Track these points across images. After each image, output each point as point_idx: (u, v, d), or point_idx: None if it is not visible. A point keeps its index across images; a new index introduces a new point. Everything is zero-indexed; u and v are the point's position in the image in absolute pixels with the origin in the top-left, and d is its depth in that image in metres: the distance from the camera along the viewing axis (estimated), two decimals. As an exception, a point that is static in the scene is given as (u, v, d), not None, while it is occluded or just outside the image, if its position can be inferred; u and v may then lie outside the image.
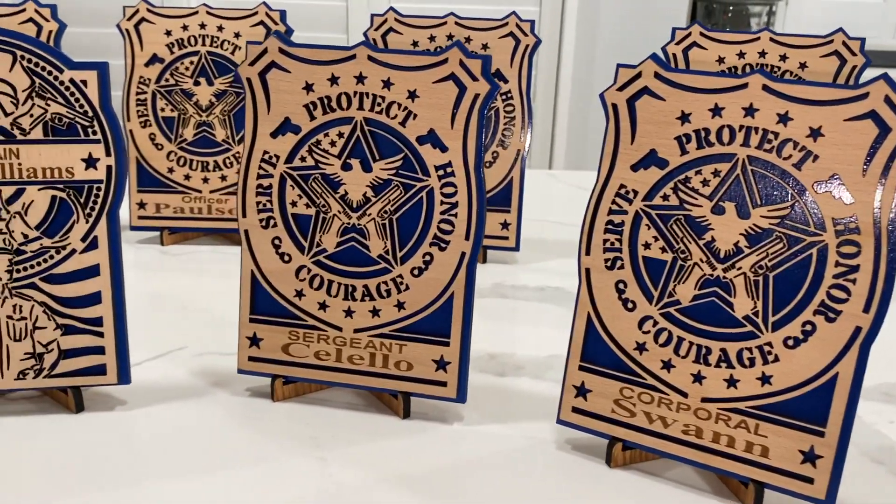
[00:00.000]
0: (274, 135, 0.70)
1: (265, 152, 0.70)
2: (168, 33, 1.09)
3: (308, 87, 0.68)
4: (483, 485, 0.64)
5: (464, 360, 0.70)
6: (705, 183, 0.60)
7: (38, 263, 0.68)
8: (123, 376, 0.71)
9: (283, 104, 0.69)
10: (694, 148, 0.61)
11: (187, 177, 1.11)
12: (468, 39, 1.06)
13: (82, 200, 0.68)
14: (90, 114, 0.67)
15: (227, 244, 1.15)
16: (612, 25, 2.76)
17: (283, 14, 1.10)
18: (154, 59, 1.09)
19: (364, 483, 0.63)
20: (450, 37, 1.06)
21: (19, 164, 0.67)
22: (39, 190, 0.68)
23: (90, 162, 0.68)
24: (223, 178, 1.12)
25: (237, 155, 1.12)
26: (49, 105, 0.67)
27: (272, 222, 0.71)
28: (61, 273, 0.69)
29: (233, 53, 1.09)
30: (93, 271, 0.69)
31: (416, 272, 0.69)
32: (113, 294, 0.70)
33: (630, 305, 0.64)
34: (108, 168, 0.68)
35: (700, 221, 0.61)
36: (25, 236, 0.68)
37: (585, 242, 0.65)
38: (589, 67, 2.76)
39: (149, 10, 1.09)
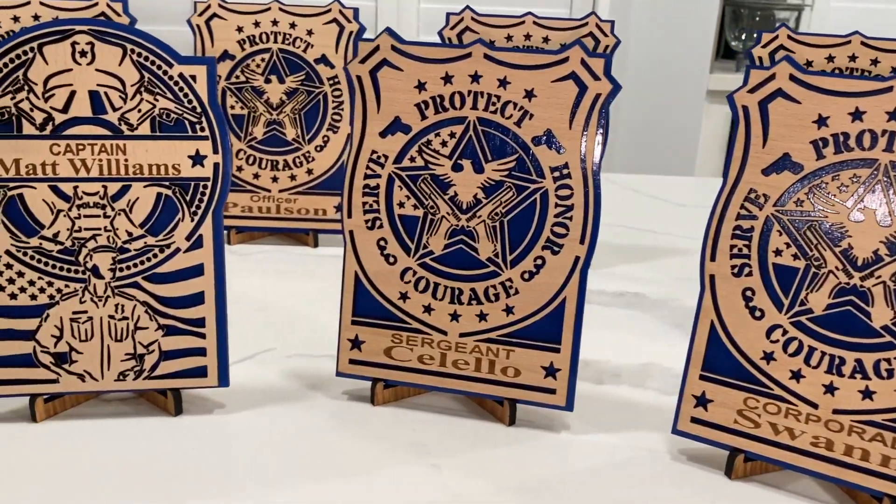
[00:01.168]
0: (383, 134, 0.68)
1: (373, 152, 0.69)
2: (239, 30, 1.08)
3: (420, 86, 0.67)
4: (600, 496, 0.62)
5: (573, 367, 0.68)
6: (842, 189, 0.59)
7: (142, 262, 0.67)
8: (223, 379, 0.70)
9: (393, 103, 0.68)
10: (831, 152, 0.59)
11: (256, 175, 1.10)
12: (546, 39, 1.04)
13: (188, 198, 0.67)
14: (198, 110, 0.66)
15: (293, 244, 1.13)
16: (642, 29, 2.73)
17: (356, 12, 1.08)
18: (224, 55, 1.08)
19: (481, 493, 0.61)
20: (527, 36, 1.04)
21: (125, 161, 0.66)
22: (145, 187, 0.66)
23: (197, 159, 0.66)
24: (293, 177, 1.10)
25: (307, 154, 1.10)
26: (157, 100, 0.65)
27: (378, 223, 0.69)
28: (165, 272, 0.67)
29: (305, 51, 1.08)
30: (196, 271, 0.68)
31: (526, 276, 0.67)
32: (216, 294, 0.68)
33: (758, 314, 0.62)
34: (216, 165, 0.67)
35: (837, 229, 0.59)
36: (130, 234, 0.67)
37: (711, 248, 0.63)
38: (620, 71, 2.74)
39: (220, 6, 1.07)
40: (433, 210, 0.68)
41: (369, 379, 0.72)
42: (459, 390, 0.71)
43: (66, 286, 0.66)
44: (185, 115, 0.66)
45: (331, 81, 1.09)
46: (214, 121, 0.66)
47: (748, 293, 0.62)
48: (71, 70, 0.64)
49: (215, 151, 0.67)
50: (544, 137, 0.66)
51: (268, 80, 1.08)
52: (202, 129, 0.66)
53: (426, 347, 0.70)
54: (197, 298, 0.68)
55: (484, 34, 1.05)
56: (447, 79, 0.66)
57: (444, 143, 0.67)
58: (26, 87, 0.64)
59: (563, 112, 0.65)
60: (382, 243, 0.70)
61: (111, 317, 0.67)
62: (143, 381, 0.69)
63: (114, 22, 0.65)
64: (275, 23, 1.07)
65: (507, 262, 0.68)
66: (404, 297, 0.70)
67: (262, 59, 1.08)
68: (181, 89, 0.65)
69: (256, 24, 1.07)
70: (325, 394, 0.74)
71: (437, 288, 0.69)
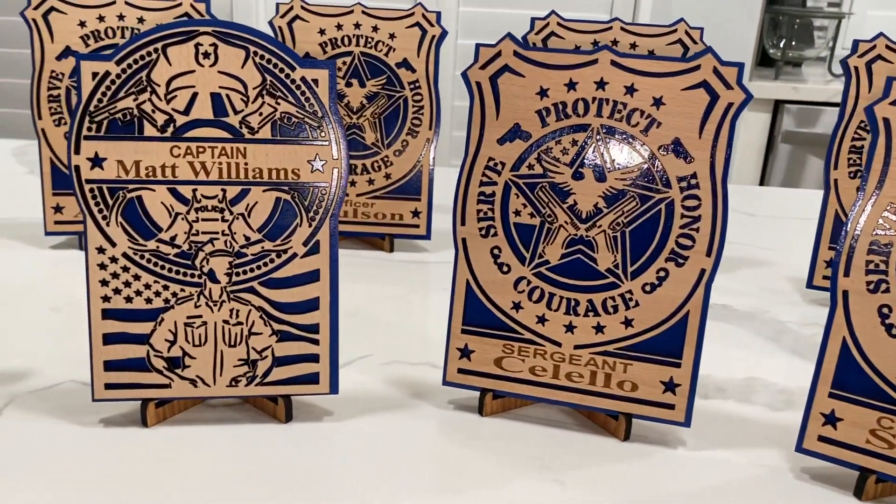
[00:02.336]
0: (501, 141, 0.67)
1: (490, 159, 0.67)
2: (321, 32, 1.07)
3: (542, 93, 0.66)
4: (727, 515, 0.61)
5: (693, 383, 0.67)
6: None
7: (259, 267, 0.66)
8: (334, 386, 0.69)
9: (513, 109, 0.67)
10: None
11: None
12: (634, 45, 1.03)
13: (306, 203, 0.66)
14: (319, 114, 0.65)
15: (367, 248, 1.12)
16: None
17: (438, 16, 1.07)
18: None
19: (608, 509, 0.60)
20: (614, 42, 1.03)
21: (245, 164, 0.65)
22: (264, 191, 0.65)
23: (316, 164, 0.66)
24: (371, 181, 1.09)
25: (385, 159, 1.09)
26: (279, 104, 0.65)
27: (492, 231, 0.68)
28: (281, 277, 0.67)
29: (386, 55, 1.07)
30: (313, 276, 0.67)
31: (647, 288, 0.66)
32: (330, 300, 0.68)
33: (895, 331, 0.60)
34: (335, 171, 0.66)
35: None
36: (247, 238, 0.66)
37: (844, 264, 0.61)
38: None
39: (303, 8, 1.07)
40: (551, 219, 0.67)
41: (478, 389, 0.71)
42: (573, 403, 0.69)
43: (182, 290, 0.66)
44: (306, 119, 0.65)
45: (411, 86, 1.08)
46: (335, 125, 0.65)
47: (885, 310, 0.60)
48: (194, 72, 0.63)
49: (335, 157, 0.66)
50: (672, 146, 0.64)
51: (348, 84, 1.07)
52: (322, 134, 0.65)
53: (539, 359, 0.69)
54: (312, 304, 0.67)
55: (570, 39, 1.04)
56: (571, 85, 0.65)
57: (564, 151, 0.66)
58: (149, 89, 0.63)
59: (693, 121, 0.63)
60: (496, 252, 0.69)
61: (225, 322, 0.67)
62: (256, 387, 0.68)
63: (238, 24, 0.64)
64: (357, 26, 1.06)
65: (628, 273, 0.66)
66: (517, 306, 0.69)
67: (344, 63, 1.07)
68: (303, 93, 0.65)
69: (339, 26, 1.07)
70: (431, 402, 0.73)
71: (552, 298, 0.68)
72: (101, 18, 1.02)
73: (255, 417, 0.69)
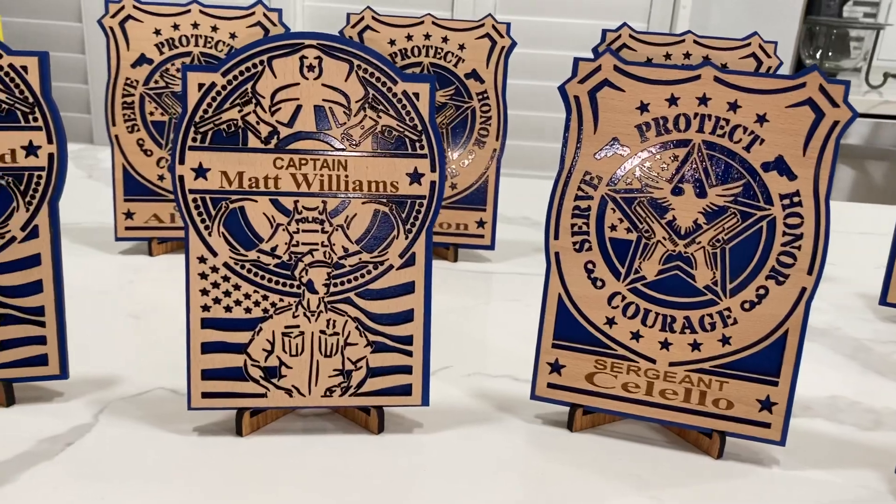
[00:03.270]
0: (598, 155, 0.67)
1: (586, 173, 0.67)
2: (392, 42, 1.07)
3: (643, 107, 0.65)
4: (830, 537, 0.60)
5: (790, 401, 0.66)
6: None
7: (356, 278, 0.66)
8: (425, 397, 0.69)
9: (611, 124, 0.66)
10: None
11: None
12: (706, 58, 1.02)
13: (403, 216, 0.66)
14: (419, 128, 0.65)
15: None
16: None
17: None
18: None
19: (711, 529, 0.60)
20: (686, 55, 1.02)
21: (346, 177, 0.65)
22: (363, 203, 0.66)
23: (415, 177, 0.66)
24: None
25: (452, 169, 1.09)
26: (380, 117, 0.65)
27: (587, 245, 0.68)
28: (377, 289, 0.67)
29: (455, 66, 1.07)
30: (408, 288, 0.67)
31: (746, 306, 0.66)
32: (424, 312, 0.68)
33: None
34: (432, 184, 0.66)
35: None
36: (346, 250, 0.66)
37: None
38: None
39: (374, 19, 1.07)
40: (648, 234, 0.67)
41: (567, 404, 0.71)
42: (667, 421, 0.69)
43: (281, 300, 0.66)
44: (406, 132, 0.65)
45: (479, 96, 1.08)
46: (433, 139, 0.66)
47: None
48: (298, 84, 0.64)
49: (433, 170, 0.66)
50: (775, 163, 0.64)
51: None
52: (421, 147, 0.66)
53: (632, 375, 0.69)
54: (406, 316, 0.67)
55: (641, 51, 1.04)
56: (672, 100, 0.65)
57: (664, 166, 0.66)
58: (254, 101, 0.63)
59: (797, 138, 0.63)
60: (590, 266, 0.68)
61: (322, 332, 0.67)
62: (350, 397, 0.68)
63: (342, 37, 0.64)
64: (427, 36, 1.07)
65: (727, 290, 0.66)
66: (611, 322, 0.69)
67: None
68: (403, 107, 0.65)
69: (409, 37, 1.07)
70: (518, 416, 0.73)
71: (647, 314, 0.68)
72: (175, 27, 1.03)
73: (345, 428, 0.70)
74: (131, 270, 1.03)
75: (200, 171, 0.64)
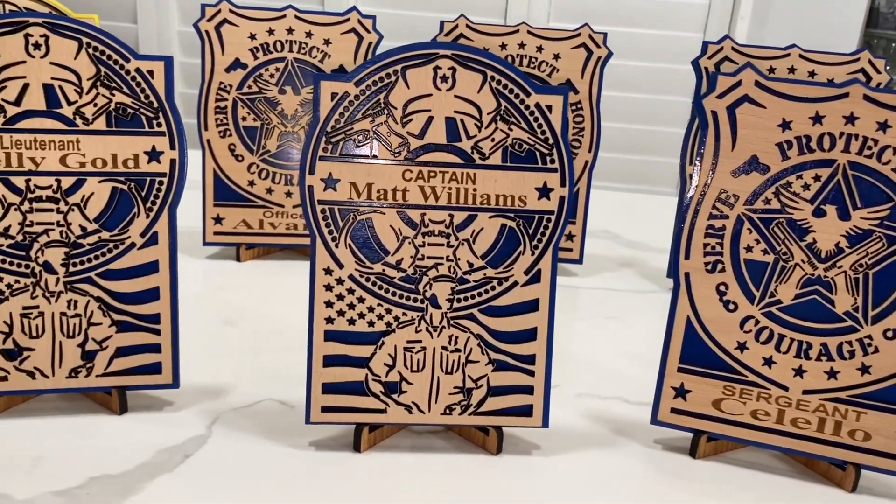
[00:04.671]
0: (735, 173, 0.65)
1: (722, 191, 0.65)
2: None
3: (784, 125, 0.63)
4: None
5: (934, 434, 0.63)
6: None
7: (479, 294, 0.65)
8: (545, 418, 0.67)
9: (751, 141, 0.64)
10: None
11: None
12: (812, 73, 0.99)
13: (531, 231, 0.64)
14: (550, 141, 0.64)
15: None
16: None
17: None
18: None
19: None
20: (791, 69, 0.99)
21: (474, 190, 0.64)
22: (490, 218, 0.64)
23: (543, 191, 0.64)
24: None
25: None
26: (512, 130, 0.63)
27: (720, 267, 0.66)
28: (501, 305, 0.65)
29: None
30: (532, 306, 0.65)
31: (889, 334, 0.63)
32: (547, 331, 0.66)
33: None
34: (561, 199, 0.64)
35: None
36: (471, 265, 0.64)
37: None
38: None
39: (468, 27, 1.05)
40: (786, 256, 0.64)
41: (692, 430, 0.68)
42: (799, 450, 0.66)
43: (404, 314, 0.64)
44: (537, 145, 0.63)
45: (573, 107, 1.06)
46: (565, 153, 0.64)
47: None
48: (431, 95, 0.62)
49: (562, 184, 0.64)
50: (927, 187, 0.61)
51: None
52: (552, 161, 0.64)
53: (762, 402, 0.66)
54: (529, 334, 0.66)
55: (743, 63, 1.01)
56: (817, 119, 0.62)
57: (806, 186, 0.63)
58: (386, 111, 0.62)
59: (954, 161, 0.60)
60: (722, 288, 0.66)
61: (444, 348, 0.65)
62: (469, 416, 0.66)
63: (475, 48, 0.63)
64: (522, 45, 1.05)
65: (868, 317, 0.63)
66: (742, 346, 0.66)
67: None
68: (536, 120, 0.63)
69: (503, 45, 1.05)
70: (636, 441, 0.70)
71: (781, 340, 0.65)
72: (270, 32, 1.02)
73: (460, 447, 0.68)
74: (220, 276, 1.02)
75: (330, 182, 0.62)
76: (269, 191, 1.06)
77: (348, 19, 1.04)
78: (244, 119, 1.04)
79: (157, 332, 0.68)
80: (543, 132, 0.63)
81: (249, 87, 1.03)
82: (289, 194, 1.07)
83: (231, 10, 1.02)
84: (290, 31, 1.03)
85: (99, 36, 0.64)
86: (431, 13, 2.28)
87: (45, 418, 0.67)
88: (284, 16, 1.03)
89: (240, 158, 1.05)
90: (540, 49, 1.05)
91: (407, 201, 0.63)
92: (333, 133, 0.62)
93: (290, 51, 1.03)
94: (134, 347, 0.68)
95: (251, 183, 1.06)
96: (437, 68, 0.62)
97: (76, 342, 0.67)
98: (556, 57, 1.05)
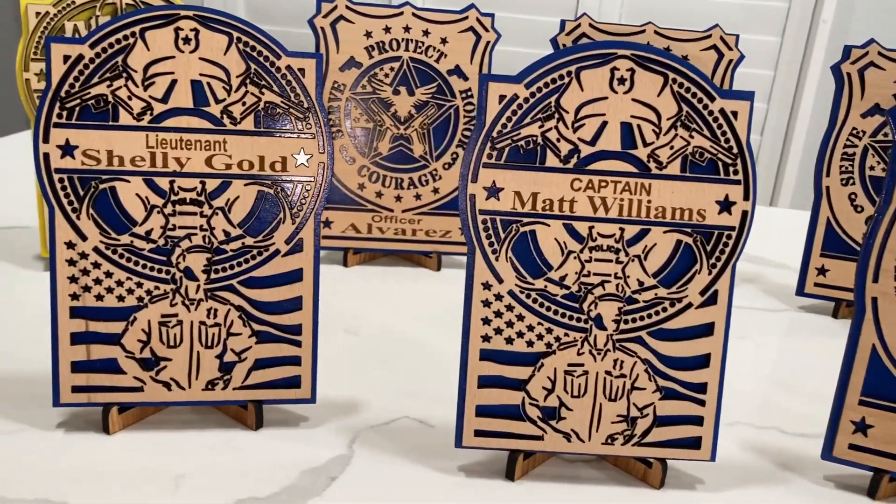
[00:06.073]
0: (937, 190, 0.59)
1: (920, 210, 0.59)
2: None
3: None
4: None
5: None
6: None
7: (650, 315, 0.60)
8: (713, 451, 0.62)
9: (957, 155, 0.58)
10: None
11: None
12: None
13: (709, 248, 0.59)
14: (735, 150, 0.58)
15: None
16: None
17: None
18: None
19: None
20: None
21: (648, 202, 0.58)
22: (665, 233, 0.59)
23: (725, 205, 0.59)
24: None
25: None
26: (693, 137, 0.58)
27: (913, 292, 0.60)
28: (672, 328, 0.60)
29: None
30: (706, 330, 0.60)
31: None
32: (721, 358, 0.61)
33: None
34: (744, 214, 0.59)
35: None
36: (641, 283, 0.59)
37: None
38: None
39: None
40: None
41: (870, 469, 0.63)
42: None
43: (566, 335, 0.60)
44: (719, 154, 0.58)
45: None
46: (749, 164, 0.59)
47: None
48: (606, 98, 0.58)
49: (745, 198, 0.59)
50: None
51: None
52: (735, 173, 0.58)
53: (958, 442, 0.60)
54: (702, 361, 0.60)
55: (891, 73, 0.94)
56: None
57: None
58: (557, 115, 0.58)
59: None
60: (915, 316, 0.60)
61: (608, 373, 0.60)
62: (632, 447, 0.61)
63: (658, 48, 0.58)
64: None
65: None
66: (936, 380, 0.60)
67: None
68: (720, 126, 0.58)
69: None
70: (804, 477, 0.65)
71: (983, 374, 0.59)
72: (387, 29, 0.99)
73: (617, 478, 0.63)
74: (329, 281, 0.99)
75: (493, 191, 0.58)
76: (379, 194, 1.02)
77: (466, 17, 1.00)
78: (356, 120, 1.01)
79: (298, 344, 0.65)
80: (727, 140, 0.58)
81: (363, 86, 1.00)
82: (398, 198, 1.03)
83: (347, 7, 0.98)
84: (406, 28, 0.99)
85: (249, 30, 0.61)
86: (507, 13, 2.23)
87: (180, 432, 0.64)
88: (402, 13, 0.99)
89: (350, 161, 1.01)
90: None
91: (574, 213, 0.59)
92: (499, 139, 0.58)
93: (406, 50, 1.00)
94: (273, 360, 0.64)
95: (361, 186, 1.02)
96: (614, 69, 0.57)
97: (214, 353, 0.64)
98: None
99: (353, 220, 1.03)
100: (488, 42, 1.01)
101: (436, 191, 1.03)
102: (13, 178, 1.24)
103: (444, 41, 1.00)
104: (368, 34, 0.99)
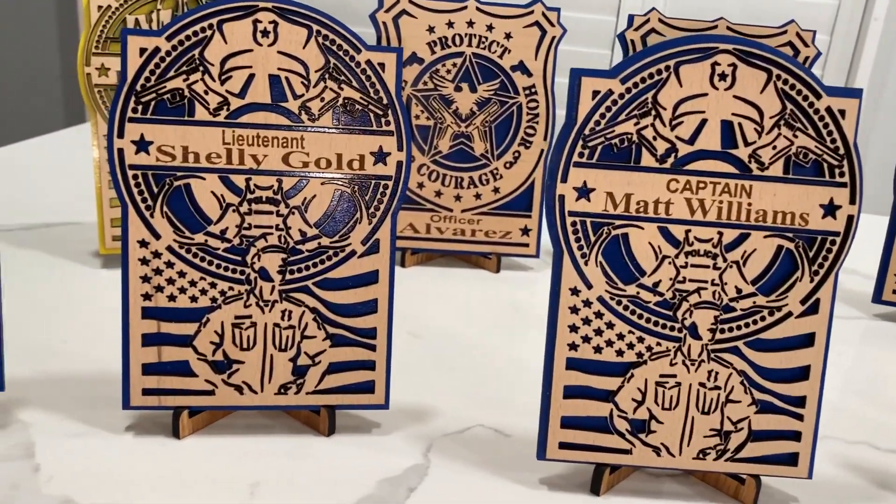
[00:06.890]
0: None
1: None
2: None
3: None
4: None
5: None
6: None
7: (747, 325, 0.57)
8: (811, 469, 0.59)
9: None
10: None
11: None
12: None
13: (811, 255, 0.56)
14: (841, 151, 0.55)
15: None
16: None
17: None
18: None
19: None
20: None
21: (749, 205, 0.55)
22: (765, 237, 0.56)
23: (829, 209, 0.55)
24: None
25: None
26: (797, 136, 0.55)
27: None
28: (770, 339, 0.57)
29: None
30: (805, 341, 0.57)
31: None
32: (822, 370, 0.57)
33: None
34: (849, 218, 0.56)
35: None
36: (739, 291, 0.56)
37: None
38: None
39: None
40: None
41: (979, 490, 0.59)
42: None
43: (658, 344, 0.57)
44: (825, 155, 0.55)
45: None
46: (856, 166, 0.55)
47: None
48: (706, 95, 0.55)
49: (851, 202, 0.56)
50: None
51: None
52: (841, 175, 0.55)
53: None
54: (801, 373, 0.57)
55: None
56: None
57: None
58: (653, 112, 0.55)
59: None
60: None
61: (701, 385, 0.57)
62: (725, 462, 0.58)
63: (761, 43, 0.55)
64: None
65: None
66: None
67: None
68: (826, 126, 0.55)
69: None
70: (904, 498, 0.62)
71: None
72: (450, 24, 0.96)
73: (704, 493, 0.60)
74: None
75: (583, 192, 0.55)
76: (439, 194, 1.00)
77: (532, 12, 0.97)
78: (417, 118, 0.98)
79: (373, 348, 0.62)
80: (833, 140, 0.55)
81: (425, 83, 0.97)
82: (458, 198, 1.00)
83: (410, 1, 0.96)
84: (470, 23, 0.96)
85: (330, 23, 0.59)
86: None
87: (251, 437, 0.62)
88: (465, 7, 0.96)
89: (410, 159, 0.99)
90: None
91: (670, 215, 0.56)
92: (591, 136, 0.55)
93: (469, 45, 0.97)
94: (347, 364, 0.62)
95: (420, 185, 1.00)
96: (715, 64, 0.54)
97: (288, 356, 0.62)
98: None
99: (411, 220, 1.00)
100: (553, 37, 0.98)
101: (496, 190, 1.00)
102: (59, 173, 1.24)
103: (508, 36, 0.97)
104: (431, 29, 0.97)
